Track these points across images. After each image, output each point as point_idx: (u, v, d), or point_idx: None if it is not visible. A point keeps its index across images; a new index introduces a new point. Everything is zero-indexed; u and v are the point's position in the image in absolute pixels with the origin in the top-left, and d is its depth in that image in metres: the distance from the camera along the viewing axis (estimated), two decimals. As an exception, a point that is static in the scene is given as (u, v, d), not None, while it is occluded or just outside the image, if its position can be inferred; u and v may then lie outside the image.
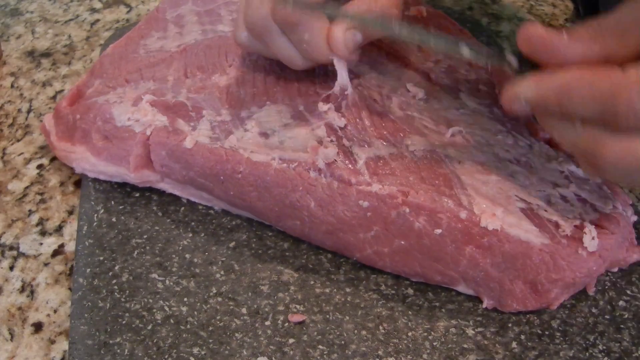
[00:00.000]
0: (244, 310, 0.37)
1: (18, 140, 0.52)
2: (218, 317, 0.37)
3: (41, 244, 0.44)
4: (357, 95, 0.42)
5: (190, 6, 0.57)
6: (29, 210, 0.46)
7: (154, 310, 0.37)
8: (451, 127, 0.41)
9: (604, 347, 0.36)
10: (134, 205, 0.44)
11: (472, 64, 0.51)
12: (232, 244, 0.41)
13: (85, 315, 0.37)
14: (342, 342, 0.36)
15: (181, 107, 0.44)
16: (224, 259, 0.40)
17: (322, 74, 0.45)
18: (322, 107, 0.41)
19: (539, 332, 0.37)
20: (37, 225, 0.45)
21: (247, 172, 0.39)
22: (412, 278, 0.39)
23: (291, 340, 0.36)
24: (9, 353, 0.37)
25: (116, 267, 0.40)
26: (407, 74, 0.48)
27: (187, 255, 0.40)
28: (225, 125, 0.42)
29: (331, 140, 0.39)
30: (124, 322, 0.36)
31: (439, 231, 0.35)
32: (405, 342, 0.36)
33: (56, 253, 0.43)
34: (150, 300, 0.38)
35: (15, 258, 0.43)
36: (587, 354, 0.35)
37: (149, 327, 0.36)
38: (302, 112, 0.42)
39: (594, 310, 0.38)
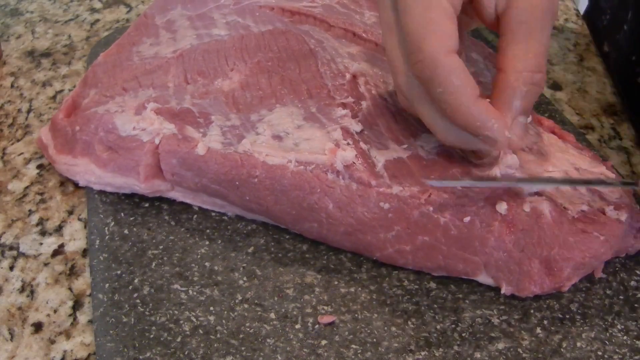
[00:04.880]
0: (272, 315, 0.37)
1: (18, 140, 0.52)
2: (247, 324, 0.36)
3: (41, 244, 0.43)
4: (372, 102, 0.42)
5: (179, 11, 0.56)
6: (29, 210, 0.46)
7: (181, 321, 0.37)
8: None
9: (623, 327, 0.37)
10: (145, 216, 0.43)
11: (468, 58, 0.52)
12: (250, 249, 0.41)
13: (111, 332, 0.36)
14: (374, 340, 0.36)
15: (188, 113, 0.44)
16: (244, 264, 0.40)
17: (331, 76, 0.45)
18: (339, 112, 0.41)
19: (560, 316, 0.38)
20: (37, 225, 0.45)
21: (264, 176, 0.39)
22: (433, 272, 0.39)
23: (324, 342, 0.36)
24: (9, 353, 0.37)
25: (135, 280, 0.39)
26: None
27: (207, 264, 0.40)
28: (236, 129, 0.42)
29: (348, 143, 0.39)
30: (151, 336, 0.36)
31: (467, 219, 0.36)
32: (435, 335, 0.36)
33: (56, 253, 0.43)
34: (176, 312, 0.37)
35: (15, 258, 0.43)
36: (608, 334, 0.37)
37: (178, 339, 0.36)
38: (315, 114, 0.42)
39: (608, 291, 0.39)
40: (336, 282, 0.39)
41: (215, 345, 0.35)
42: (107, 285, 0.38)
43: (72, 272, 0.41)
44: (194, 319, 0.37)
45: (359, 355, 0.35)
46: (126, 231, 0.42)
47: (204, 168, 0.41)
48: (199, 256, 0.40)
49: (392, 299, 0.38)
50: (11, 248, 0.43)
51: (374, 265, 0.40)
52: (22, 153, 0.51)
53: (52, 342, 0.38)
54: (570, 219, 0.37)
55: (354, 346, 0.36)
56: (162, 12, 0.57)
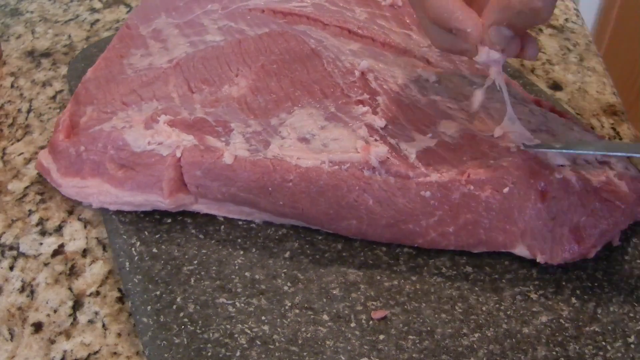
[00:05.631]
0: (325, 317, 0.37)
1: (18, 140, 0.51)
2: (303, 329, 0.36)
3: (41, 244, 0.43)
4: (387, 96, 0.43)
5: (164, 19, 0.54)
6: (29, 210, 0.46)
7: (235, 335, 0.36)
8: (470, 102, 0.44)
9: (645, 288, 0.40)
10: (170, 232, 0.42)
11: None
12: (287, 254, 0.41)
13: (165, 355, 0.35)
14: (428, 329, 0.37)
15: (203, 123, 0.43)
16: (285, 270, 0.40)
17: (340, 74, 0.45)
18: (359, 109, 0.42)
19: (589, 284, 0.40)
20: (37, 225, 0.45)
21: (298, 179, 0.39)
22: (473, 249, 0.40)
23: (381, 337, 0.36)
24: (9, 353, 0.37)
25: (178, 299, 0.38)
26: (409, 60, 0.49)
27: (247, 274, 0.39)
28: (259, 135, 0.41)
29: (375, 140, 0.40)
30: (209, 354, 0.35)
31: (506, 190, 0.37)
32: (483, 316, 0.38)
33: (56, 253, 0.43)
34: (228, 326, 0.36)
35: (15, 258, 0.43)
36: (635, 296, 0.39)
37: (238, 354, 0.35)
38: (336, 114, 0.42)
39: (626, 257, 0.42)
40: (378, 277, 0.40)
41: (277, 354, 0.35)
42: (149, 307, 0.37)
43: (72, 272, 0.41)
44: (249, 331, 0.36)
45: (417, 345, 0.36)
46: (155, 250, 0.40)
47: (233, 177, 0.40)
48: (236, 267, 0.40)
49: (434, 286, 0.39)
50: (11, 248, 0.43)
51: (410, 256, 0.41)
52: (22, 153, 0.50)
53: (52, 342, 0.38)
54: (595, 188, 0.39)
55: (411, 337, 0.36)
56: (146, 21, 0.55)
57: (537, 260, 0.39)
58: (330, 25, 0.52)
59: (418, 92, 0.45)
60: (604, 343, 0.37)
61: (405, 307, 0.38)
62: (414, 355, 0.35)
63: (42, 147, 0.50)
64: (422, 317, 0.37)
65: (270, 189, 0.39)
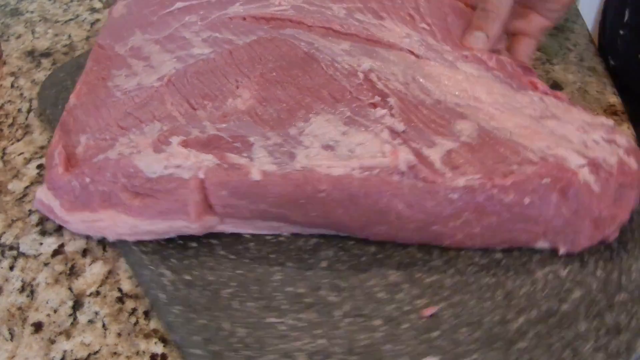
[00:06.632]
0: (377, 322, 0.37)
1: (18, 140, 0.52)
2: (359, 337, 0.36)
3: (41, 244, 0.44)
4: (397, 97, 0.43)
5: (141, 36, 0.52)
6: (29, 210, 0.46)
7: (295, 353, 0.35)
8: (474, 98, 0.45)
9: (657, 253, 0.43)
10: (199, 257, 0.40)
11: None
12: (324, 264, 0.40)
13: (228, 384, 0.34)
14: (477, 319, 0.38)
15: (219, 140, 0.41)
16: (326, 280, 0.39)
17: (343, 77, 0.45)
18: (376, 112, 0.41)
19: (609, 256, 0.42)
20: (37, 225, 0.45)
21: (331, 188, 0.38)
22: (497, 247, 0.42)
23: (436, 333, 0.37)
24: (9, 353, 0.37)
25: (224, 325, 0.36)
26: (397, 54, 0.49)
27: (289, 289, 0.39)
28: (281, 147, 0.40)
29: (399, 144, 0.40)
30: (272, 376, 0.34)
31: (527, 199, 0.39)
32: (523, 299, 0.39)
33: (56, 253, 0.43)
34: (284, 345, 0.35)
35: (15, 258, 0.43)
36: (650, 261, 0.42)
37: (301, 371, 0.34)
38: (353, 118, 0.42)
39: (632, 224, 0.44)
40: (418, 275, 0.40)
41: (340, 366, 0.35)
42: (197, 338, 0.36)
43: (72, 272, 0.42)
44: (306, 347, 0.35)
45: (470, 336, 0.37)
46: (187, 277, 0.39)
47: (263, 193, 0.39)
48: (277, 283, 0.39)
49: (472, 277, 0.40)
50: (11, 248, 0.43)
51: (441, 249, 0.42)
52: (22, 153, 0.51)
53: (52, 342, 0.38)
54: (611, 176, 0.41)
55: (463, 329, 0.37)
56: (120, 40, 0.52)
57: (561, 253, 0.41)
58: (315, 27, 0.51)
59: (421, 91, 0.45)
60: (634, 309, 0.39)
61: (450, 300, 0.39)
62: (470, 346, 0.36)
63: (42, 147, 0.50)
64: (468, 308, 0.38)
65: (302, 201, 0.39)
